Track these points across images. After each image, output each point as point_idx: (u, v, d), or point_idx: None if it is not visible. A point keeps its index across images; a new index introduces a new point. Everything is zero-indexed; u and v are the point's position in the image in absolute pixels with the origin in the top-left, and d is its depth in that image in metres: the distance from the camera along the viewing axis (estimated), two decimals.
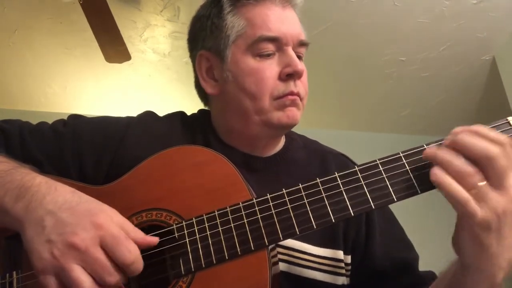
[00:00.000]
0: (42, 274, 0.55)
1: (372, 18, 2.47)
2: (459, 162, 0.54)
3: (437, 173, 0.56)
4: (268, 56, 0.78)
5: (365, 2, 2.36)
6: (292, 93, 0.78)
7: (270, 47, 0.78)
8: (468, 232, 0.56)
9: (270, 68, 0.78)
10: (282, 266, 0.74)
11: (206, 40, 0.84)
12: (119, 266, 0.57)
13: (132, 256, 0.57)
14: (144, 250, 0.62)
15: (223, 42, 0.80)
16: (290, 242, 0.75)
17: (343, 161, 0.90)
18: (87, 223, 0.57)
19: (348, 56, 2.80)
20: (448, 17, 2.47)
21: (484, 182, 0.54)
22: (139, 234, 0.61)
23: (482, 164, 0.54)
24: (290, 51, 0.79)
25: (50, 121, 0.85)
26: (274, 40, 0.78)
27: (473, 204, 0.54)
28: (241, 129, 0.82)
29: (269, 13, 0.79)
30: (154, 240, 0.63)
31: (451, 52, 2.76)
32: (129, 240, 0.58)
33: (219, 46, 0.81)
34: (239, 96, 0.79)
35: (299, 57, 0.82)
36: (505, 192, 0.54)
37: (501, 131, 0.61)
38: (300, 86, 0.80)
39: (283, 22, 0.79)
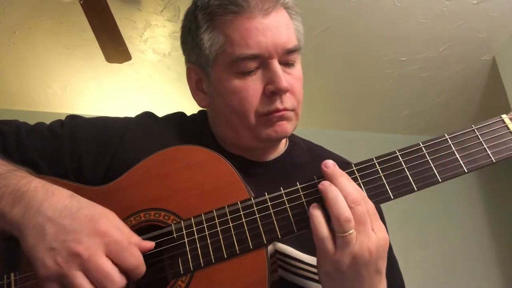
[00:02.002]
0: (45, 281, 0.56)
1: (372, 18, 2.47)
2: (343, 206, 0.58)
3: (314, 209, 0.61)
4: (251, 72, 0.74)
5: (365, 2, 2.36)
6: (277, 110, 0.75)
7: (251, 65, 0.74)
8: (323, 266, 0.61)
9: (254, 85, 0.74)
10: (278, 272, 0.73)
11: (190, 54, 0.82)
12: (123, 270, 0.58)
13: (136, 260, 0.59)
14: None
15: (204, 60, 0.78)
16: (287, 249, 0.74)
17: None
18: (90, 230, 0.57)
19: (348, 56, 2.79)
20: (448, 17, 2.47)
21: (353, 231, 0.57)
22: (135, 239, 0.61)
23: (352, 209, 0.58)
24: (274, 65, 0.74)
25: (50, 121, 0.85)
26: (254, 57, 0.73)
27: (329, 244, 0.58)
28: (233, 139, 0.82)
29: (248, 26, 0.73)
30: (150, 245, 0.63)
31: (451, 52, 2.76)
32: (132, 244, 0.59)
33: (202, 63, 0.79)
34: (226, 112, 0.78)
35: (290, 65, 0.77)
36: (365, 239, 0.58)
37: (496, 129, 0.63)
38: (289, 99, 0.76)
39: (265, 33, 0.73)
